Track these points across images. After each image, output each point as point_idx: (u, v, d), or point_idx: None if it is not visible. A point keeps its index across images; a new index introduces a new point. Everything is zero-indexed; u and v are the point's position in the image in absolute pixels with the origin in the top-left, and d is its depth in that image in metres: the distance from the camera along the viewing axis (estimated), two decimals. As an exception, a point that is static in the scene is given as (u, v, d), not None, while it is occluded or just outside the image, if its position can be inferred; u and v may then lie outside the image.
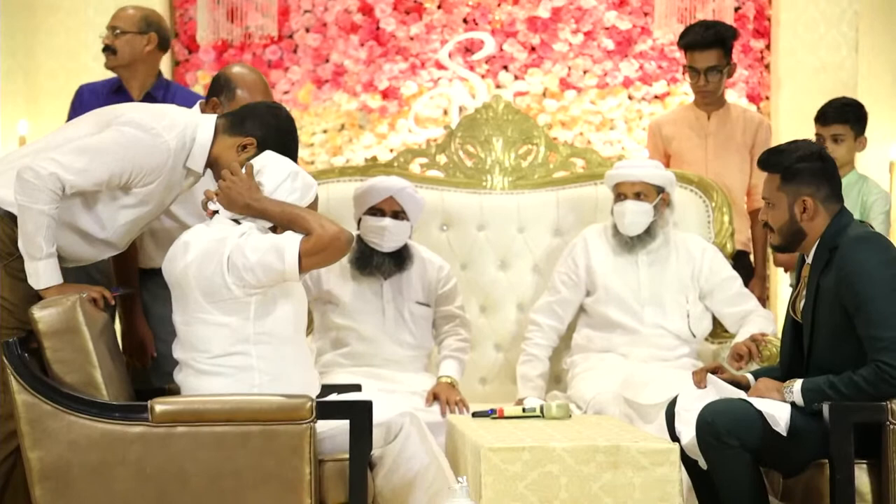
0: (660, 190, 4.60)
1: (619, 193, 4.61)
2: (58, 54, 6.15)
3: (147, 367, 4.18)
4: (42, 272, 3.49)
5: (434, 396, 4.38)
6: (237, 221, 3.49)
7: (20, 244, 3.50)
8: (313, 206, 3.54)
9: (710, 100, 5.09)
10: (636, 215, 4.57)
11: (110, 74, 4.72)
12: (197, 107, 4.16)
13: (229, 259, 3.36)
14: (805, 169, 3.58)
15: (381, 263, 4.46)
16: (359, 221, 4.51)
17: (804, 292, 3.64)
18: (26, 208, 3.45)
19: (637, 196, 4.57)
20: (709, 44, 4.97)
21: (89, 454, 3.26)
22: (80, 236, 3.63)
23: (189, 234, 3.52)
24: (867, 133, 4.93)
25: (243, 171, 3.48)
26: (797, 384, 3.49)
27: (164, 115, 3.63)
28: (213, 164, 3.64)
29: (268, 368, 3.43)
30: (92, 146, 3.53)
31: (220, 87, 4.11)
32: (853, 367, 3.44)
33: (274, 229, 3.49)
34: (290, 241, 3.36)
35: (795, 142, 3.69)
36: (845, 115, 4.86)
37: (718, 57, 5.00)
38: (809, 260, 3.63)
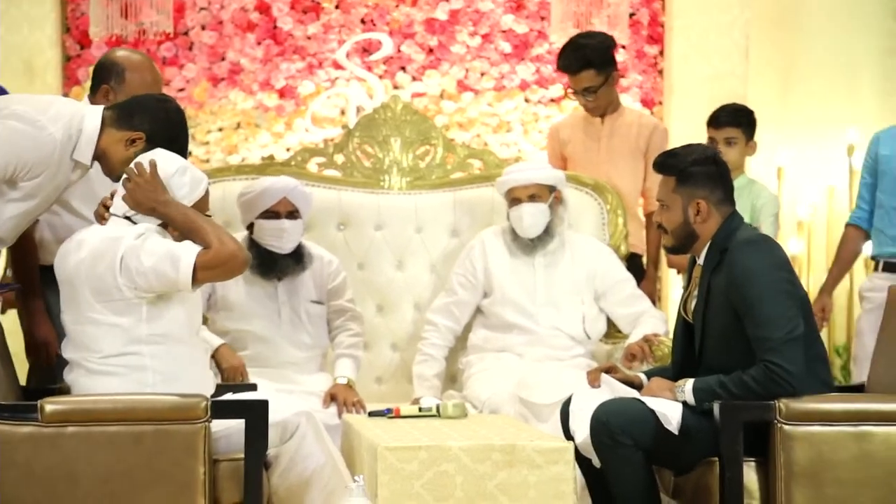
0: (552, 189, 4.65)
1: (514, 198, 4.64)
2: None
3: (52, 364, 4.10)
4: None
5: (331, 398, 4.37)
6: (132, 221, 3.44)
7: None
8: (203, 201, 3.50)
9: (596, 114, 5.17)
10: (534, 217, 4.61)
11: (3, 67, 4.62)
12: (86, 98, 4.10)
13: (122, 260, 3.31)
14: (699, 172, 3.65)
15: (284, 266, 4.44)
16: (250, 226, 4.46)
17: (695, 293, 3.70)
18: None
19: (531, 198, 4.61)
20: (578, 68, 5.05)
21: (-24, 455, 3.19)
22: None
23: (83, 232, 3.47)
24: (756, 139, 5.04)
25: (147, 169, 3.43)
26: (688, 384, 3.55)
27: (49, 107, 3.56)
28: (100, 157, 3.58)
29: (161, 368, 3.39)
30: None
31: (107, 73, 4.06)
32: (743, 366, 3.50)
33: (165, 227, 3.45)
34: (187, 252, 3.32)
35: (690, 145, 3.76)
36: (738, 119, 4.97)
37: (591, 77, 5.06)
38: (701, 261, 3.70)
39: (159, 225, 3.44)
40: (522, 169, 4.71)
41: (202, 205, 3.50)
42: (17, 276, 4.05)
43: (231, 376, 4.24)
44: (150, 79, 4.10)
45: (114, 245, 3.34)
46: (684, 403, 3.55)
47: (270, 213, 4.40)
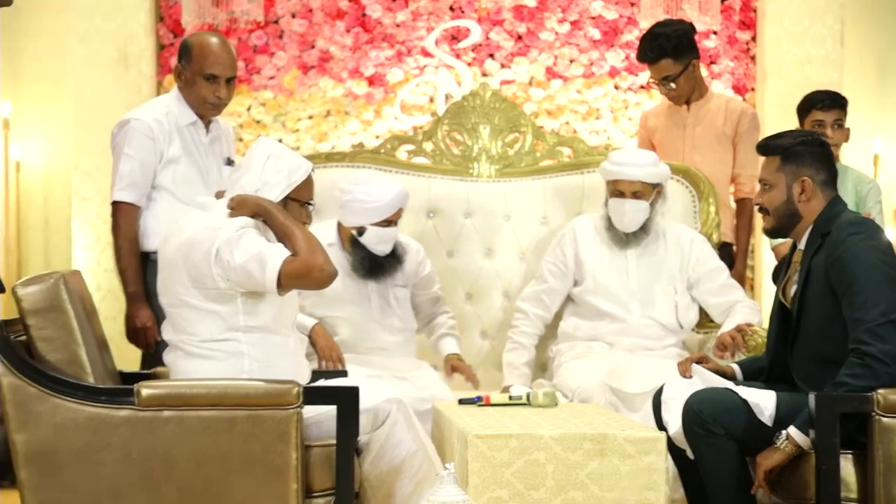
0: (655, 185, 4.60)
1: (617, 190, 4.57)
2: (41, 36, 6.11)
3: (151, 350, 4.18)
4: None
5: (452, 369, 4.49)
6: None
7: None
8: (305, 188, 3.53)
9: (679, 102, 5.12)
10: (635, 214, 4.57)
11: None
12: (175, 89, 4.33)
13: (218, 251, 3.35)
14: (806, 152, 3.61)
15: (389, 266, 4.47)
16: (359, 228, 4.43)
17: (794, 277, 3.65)
18: None
19: (635, 195, 4.56)
20: (655, 58, 5.01)
21: (75, 437, 3.25)
22: None
23: (187, 217, 3.52)
24: (853, 123, 4.96)
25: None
26: (790, 430, 3.41)
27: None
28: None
29: (258, 355, 3.43)
30: None
31: (180, 53, 4.31)
32: (839, 354, 3.44)
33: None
34: (275, 257, 3.34)
35: (794, 130, 3.74)
36: (841, 101, 4.91)
37: (668, 66, 5.01)
38: (802, 245, 3.64)
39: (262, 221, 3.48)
40: (632, 164, 4.57)
41: (304, 192, 3.53)
42: (118, 262, 4.18)
43: (326, 355, 4.27)
44: (221, 58, 4.25)
45: (212, 235, 3.38)
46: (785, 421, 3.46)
47: (388, 222, 4.43)
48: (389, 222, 4.43)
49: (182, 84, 4.28)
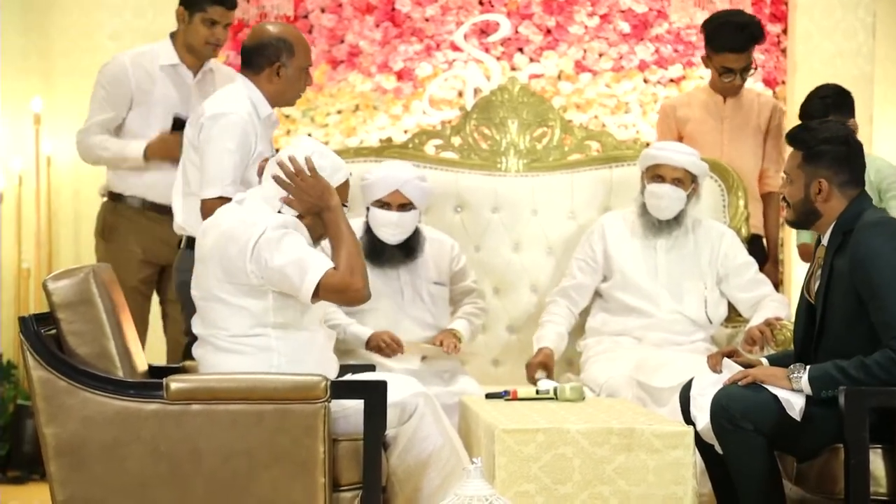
0: (694, 178, 4.58)
1: (657, 175, 4.56)
2: (72, 32, 6.15)
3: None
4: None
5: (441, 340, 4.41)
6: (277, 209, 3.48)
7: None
8: (341, 190, 3.53)
9: (736, 93, 5.06)
10: (673, 201, 4.55)
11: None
12: (240, 80, 4.16)
13: (255, 248, 3.35)
14: (827, 152, 3.57)
15: (392, 256, 4.42)
16: (368, 209, 4.47)
17: (818, 273, 3.63)
18: None
19: (675, 181, 4.55)
20: (748, 46, 4.93)
21: (104, 431, 3.27)
22: None
23: (221, 210, 3.53)
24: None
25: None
26: (804, 375, 3.45)
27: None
28: None
29: (287, 350, 3.44)
30: None
31: (277, 51, 4.11)
32: (863, 350, 3.41)
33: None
34: (316, 268, 3.34)
35: (827, 122, 3.70)
36: (826, 109, 4.81)
37: (750, 55, 4.97)
38: (825, 242, 3.62)
39: (297, 216, 3.47)
40: (676, 150, 4.58)
41: (341, 193, 3.52)
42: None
43: (390, 348, 4.30)
44: (308, 46, 4.20)
45: (248, 230, 3.38)
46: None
47: (382, 204, 4.40)
48: (386, 205, 4.39)
49: (281, 80, 4.11)
